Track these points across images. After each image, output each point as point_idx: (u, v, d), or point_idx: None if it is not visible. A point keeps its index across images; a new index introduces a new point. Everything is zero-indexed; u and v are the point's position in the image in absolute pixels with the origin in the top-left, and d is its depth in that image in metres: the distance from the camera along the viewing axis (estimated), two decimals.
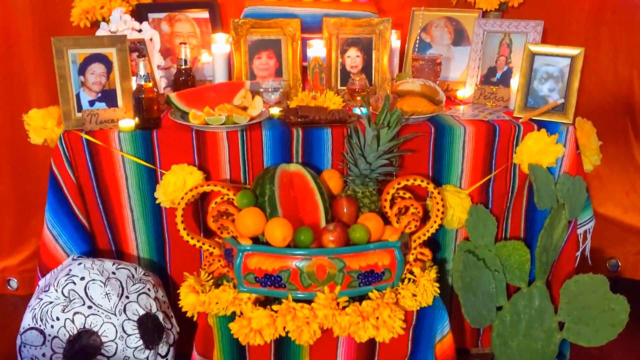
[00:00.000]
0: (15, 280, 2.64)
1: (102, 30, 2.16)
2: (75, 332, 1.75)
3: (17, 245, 2.65)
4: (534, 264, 2.02)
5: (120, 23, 2.18)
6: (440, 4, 2.57)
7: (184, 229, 1.85)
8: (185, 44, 2.23)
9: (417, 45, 2.52)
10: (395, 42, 2.45)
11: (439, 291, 1.84)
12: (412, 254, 1.89)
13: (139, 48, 2.20)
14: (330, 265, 1.72)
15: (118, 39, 1.98)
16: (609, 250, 2.69)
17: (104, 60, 1.96)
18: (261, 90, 2.20)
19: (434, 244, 2.12)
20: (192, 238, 1.87)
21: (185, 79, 2.23)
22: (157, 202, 1.95)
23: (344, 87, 2.31)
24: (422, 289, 1.81)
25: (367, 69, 2.36)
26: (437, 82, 2.32)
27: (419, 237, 1.90)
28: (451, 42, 2.51)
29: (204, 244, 1.88)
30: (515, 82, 2.19)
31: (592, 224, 2.19)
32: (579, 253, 2.19)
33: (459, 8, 2.55)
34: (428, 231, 1.91)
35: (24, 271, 2.63)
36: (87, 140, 1.92)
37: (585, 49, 2.10)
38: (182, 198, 1.84)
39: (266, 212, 1.80)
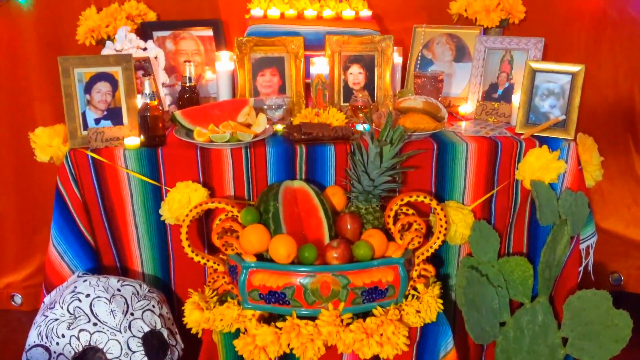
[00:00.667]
0: (20, 296, 2.66)
1: (108, 49, 2.19)
2: (81, 349, 1.76)
3: (22, 261, 2.66)
4: (537, 279, 2.02)
5: (126, 42, 2.21)
6: (442, 21, 2.60)
7: (189, 245, 1.86)
8: (189, 62, 2.25)
9: (419, 62, 2.55)
10: (397, 58, 2.47)
11: (442, 307, 1.85)
12: (416, 270, 1.90)
13: (144, 66, 2.23)
14: (334, 282, 1.73)
15: (123, 58, 2.00)
16: (612, 265, 2.70)
17: (110, 78, 1.99)
18: (265, 107, 2.22)
19: (437, 259, 2.13)
20: (197, 255, 1.88)
21: (189, 96, 2.25)
22: (161, 218, 1.97)
23: (347, 104, 2.33)
24: (426, 306, 1.81)
25: (369, 85, 2.38)
26: (439, 98, 2.34)
27: (422, 254, 1.91)
28: (453, 59, 2.53)
29: (208, 260, 1.89)
30: (516, 98, 2.21)
31: (594, 239, 2.20)
32: (581, 268, 2.20)
33: (460, 25, 2.57)
34: (431, 247, 1.92)
35: (28, 287, 2.65)
36: (92, 157, 1.94)
37: (586, 64, 2.12)
38: (187, 215, 1.85)
39: (270, 229, 1.82)
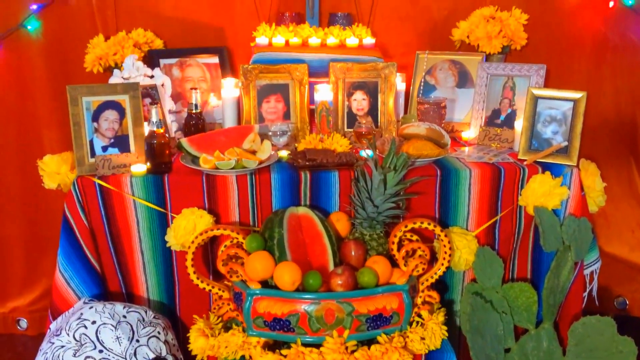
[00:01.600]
0: (25, 321, 2.66)
1: (115, 78, 2.22)
2: None
3: (28, 286, 2.67)
4: (542, 305, 2.02)
5: (133, 70, 2.25)
6: (444, 47, 2.64)
7: (194, 272, 1.87)
8: (195, 89, 2.29)
9: (422, 88, 2.58)
10: (400, 84, 2.50)
11: (447, 334, 1.85)
12: (420, 297, 1.91)
13: (150, 94, 2.26)
14: (339, 309, 1.73)
15: (131, 86, 2.04)
16: (617, 289, 2.69)
17: (117, 107, 2.02)
18: (270, 133, 2.24)
19: (442, 284, 2.13)
20: (202, 281, 1.89)
21: (195, 122, 2.28)
22: (167, 245, 1.98)
23: (351, 130, 2.35)
24: (431, 332, 1.82)
25: (373, 111, 2.41)
26: (442, 124, 2.36)
27: (427, 280, 1.92)
28: (455, 85, 2.56)
29: (213, 287, 1.90)
30: (519, 124, 2.23)
31: (598, 265, 2.20)
32: (586, 293, 2.20)
33: (463, 51, 2.61)
34: (435, 274, 1.93)
35: (34, 311, 2.66)
36: (99, 185, 1.96)
37: (588, 89, 2.15)
38: (192, 242, 1.87)
39: (275, 256, 1.83)
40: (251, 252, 1.84)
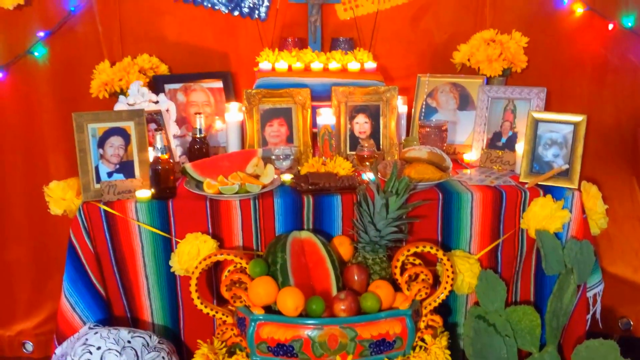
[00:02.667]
0: (31, 344, 2.67)
1: (121, 104, 2.26)
2: None
3: (34, 309, 2.69)
4: (545, 328, 2.03)
5: (138, 96, 2.28)
6: (445, 70, 2.66)
7: (198, 297, 1.89)
8: (200, 114, 2.32)
9: (423, 110, 2.60)
10: (402, 107, 2.53)
11: (450, 359, 1.85)
12: (423, 321, 1.91)
13: (155, 119, 2.29)
14: (342, 334, 1.74)
15: (136, 113, 2.07)
16: (621, 310, 2.68)
17: (123, 133, 2.05)
18: (273, 157, 2.27)
19: (445, 308, 2.14)
20: (206, 307, 1.90)
21: (199, 147, 2.31)
22: (171, 270, 2.00)
23: (353, 152, 2.37)
24: (434, 357, 1.82)
25: (375, 134, 2.43)
26: (444, 146, 2.38)
27: (430, 304, 1.92)
28: (457, 107, 2.58)
29: (217, 312, 1.91)
30: (520, 146, 2.24)
31: (601, 287, 2.20)
32: (589, 316, 2.20)
33: (464, 74, 2.63)
34: (438, 297, 1.93)
35: (39, 334, 2.67)
36: (104, 210, 1.99)
37: (589, 110, 2.16)
38: (196, 267, 1.88)
39: (278, 281, 1.84)
40: (254, 277, 1.86)
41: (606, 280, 2.32)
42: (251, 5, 2.62)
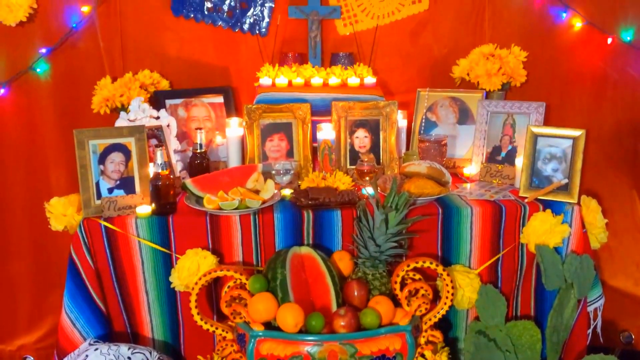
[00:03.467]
0: (32, 358, 2.67)
1: (122, 120, 2.27)
2: None
3: (35, 324, 2.69)
4: (545, 343, 2.02)
5: (139, 112, 2.29)
6: (445, 85, 2.68)
7: (198, 313, 1.89)
8: (200, 129, 2.33)
9: (423, 124, 2.61)
10: (401, 121, 2.54)
11: None
12: (424, 337, 1.91)
13: (156, 134, 2.30)
14: (342, 350, 1.74)
15: (136, 129, 2.08)
16: (622, 323, 2.68)
17: (123, 149, 2.06)
18: (273, 171, 2.28)
19: (445, 322, 2.13)
20: (206, 322, 1.91)
21: (200, 162, 2.32)
22: (171, 286, 2.00)
23: (353, 167, 2.38)
24: None
25: (375, 148, 2.44)
26: (444, 160, 2.39)
27: (430, 319, 1.92)
28: (456, 121, 2.59)
29: (217, 328, 1.92)
30: (519, 161, 2.25)
31: (602, 302, 2.20)
32: (590, 330, 2.19)
33: (463, 89, 2.64)
34: (439, 313, 1.93)
35: (40, 349, 2.67)
36: (105, 226, 1.99)
37: (589, 124, 2.17)
38: (196, 283, 1.89)
39: (278, 297, 1.84)
40: (254, 293, 1.86)
41: (607, 293, 2.31)
42: (252, 21, 2.64)
